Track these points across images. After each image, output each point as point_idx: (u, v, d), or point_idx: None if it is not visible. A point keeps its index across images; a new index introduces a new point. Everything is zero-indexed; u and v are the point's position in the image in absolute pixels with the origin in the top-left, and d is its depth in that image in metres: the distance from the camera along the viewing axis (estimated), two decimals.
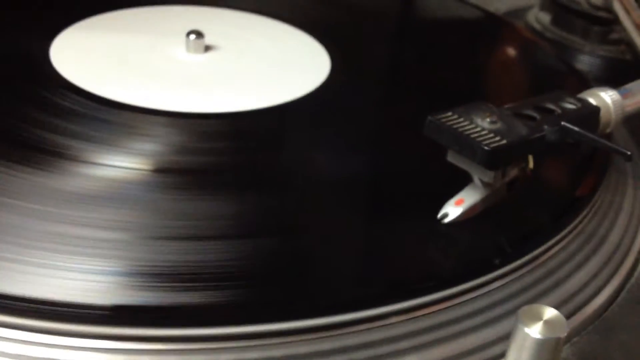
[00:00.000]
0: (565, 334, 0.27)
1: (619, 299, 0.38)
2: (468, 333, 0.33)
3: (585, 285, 0.37)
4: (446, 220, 0.36)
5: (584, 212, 0.40)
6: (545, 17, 0.70)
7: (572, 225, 0.38)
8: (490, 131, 0.34)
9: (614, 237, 0.41)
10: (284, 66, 0.53)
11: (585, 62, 0.64)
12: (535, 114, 0.37)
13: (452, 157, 0.36)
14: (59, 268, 0.31)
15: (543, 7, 0.71)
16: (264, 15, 0.61)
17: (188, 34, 0.53)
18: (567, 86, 0.55)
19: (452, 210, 0.36)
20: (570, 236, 0.38)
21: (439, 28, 0.65)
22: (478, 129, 0.34)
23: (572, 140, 0.37)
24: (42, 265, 0.31)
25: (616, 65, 0.64)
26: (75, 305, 0.29)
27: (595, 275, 0.38)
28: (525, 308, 0.27)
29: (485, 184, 0.36)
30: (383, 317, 0.31)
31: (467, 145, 0.34)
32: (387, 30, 0.65)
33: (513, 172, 0.37)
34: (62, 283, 0.30)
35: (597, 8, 0.65)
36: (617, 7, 0.62)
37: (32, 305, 0.29)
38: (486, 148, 0.33)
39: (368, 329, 0.31)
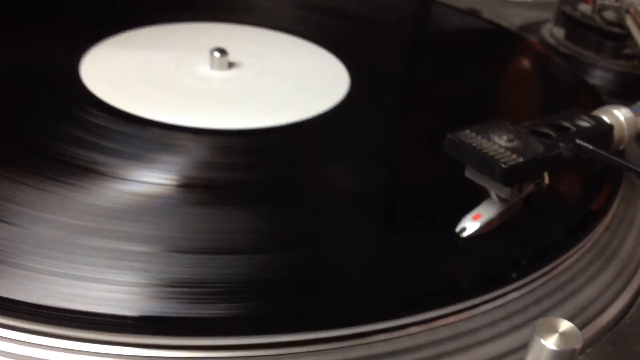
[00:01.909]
0: (580, 346, 0.28)
1: (632, 310, 0.39)
2: (486, 343, 0.34)
3: (599, 297, 0.38)
4: (464, 234, 0.37)
5: (598, 227, 0.41)
6: (560, 32, 0.71)
7: (586, 239, 0.40)
8: (507, 149, 0.35)
9: (626, 250, 0.42)
10: (304, 83, 0.55)
11: (598, 76, 0.65)
12: (550, 132, 0.38)
13: (469, 173, 0.37)
14: (88, 279, 0.32)
15: (557, 22, 0.72)
16: (286, 32, 0.63)
17: (212, 51, 0.54)
18: (581, 101, 0.56)
19: (469, 224, 0.37)
20: (584, 249, 0.39)
21: (454, 43, 0.66)
22: (495, 146, 0.35)
23: (587, 157, 0.39)
24: (70, 276, 0.32)
25: (629, 80, 0.65)
26: (102, 315, 0.31)
27: (608, 287, 0.39)
28: (542, 320, 0.28)
29: (502, 200, 0.37)
30: (403, 328, 0.33)
31: (485, 162, 0.35)
32: (403, 46, 0.66)
33: (529, 188, 0.38)
34: (89, 294, 0.31)
35: (610, 23, 0.66)
36: (630, 23, 0.63)
37: (62, 314, 0.30)
38: (503, 166, 0.34)
39: (390, 339, 0.32)
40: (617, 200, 0.43)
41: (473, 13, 0.73)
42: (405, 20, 0.71)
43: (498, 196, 0.37)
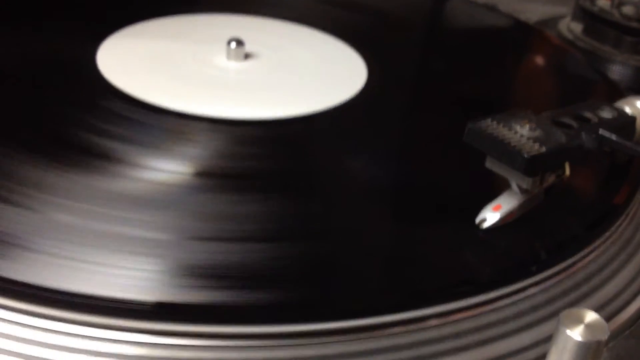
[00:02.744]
0: (607, 337, 0.27)
1: None
2: (505, 337, 0.34)
3: (621, 291, 0.38)
4: (484, 225, 0.37)
5: (620, 220, 0.40)
6: (577, 27, 0.71)
7: (608, 233, 0.39)
8: (529, 138, 0.35)
9: None
10: (321, 74, 0.54)
11: (617, 71, 0.65)
12: (572, 122, 0.38)
13: (490, 164, 0.37)
14: (105, 265, 0.32)
15: (575, 17, 0.72)
16: (303, 24, 0.62)
17: (229, 41, 0.54)
18: (600, 95, 0.55)
19: (490, 215, 0.37)
20: (607, 243, 0.39)
21: (472, 37, 0.65)
22: (517, 136, 0.35)
23: (609, 149, 0.38)
24: (87, 261, 0.32)
25: None
26: (118, 300, 0.30)
27: (630, 282, 0.38)
28: (567, 311, 0.28)
29: (523, 190, 0.37)
30: (423, 319, 0.32)
31: (507, 152, 0.35)
32: (421, 40, 0.66)
33: (550, 179, 0.38)
34: (106, 279, 0.31)
35: (629, 18, 0.66)
36: None
37: (79, 300, 0.30)
38: (526, 155, 0.34)
39: (410, 331, 0.32)
40: (638, 193, 0.43)
41: (490, 7, 0.73)
42: (423, 14, 0.70)
43: (519, 187, 0.36)
